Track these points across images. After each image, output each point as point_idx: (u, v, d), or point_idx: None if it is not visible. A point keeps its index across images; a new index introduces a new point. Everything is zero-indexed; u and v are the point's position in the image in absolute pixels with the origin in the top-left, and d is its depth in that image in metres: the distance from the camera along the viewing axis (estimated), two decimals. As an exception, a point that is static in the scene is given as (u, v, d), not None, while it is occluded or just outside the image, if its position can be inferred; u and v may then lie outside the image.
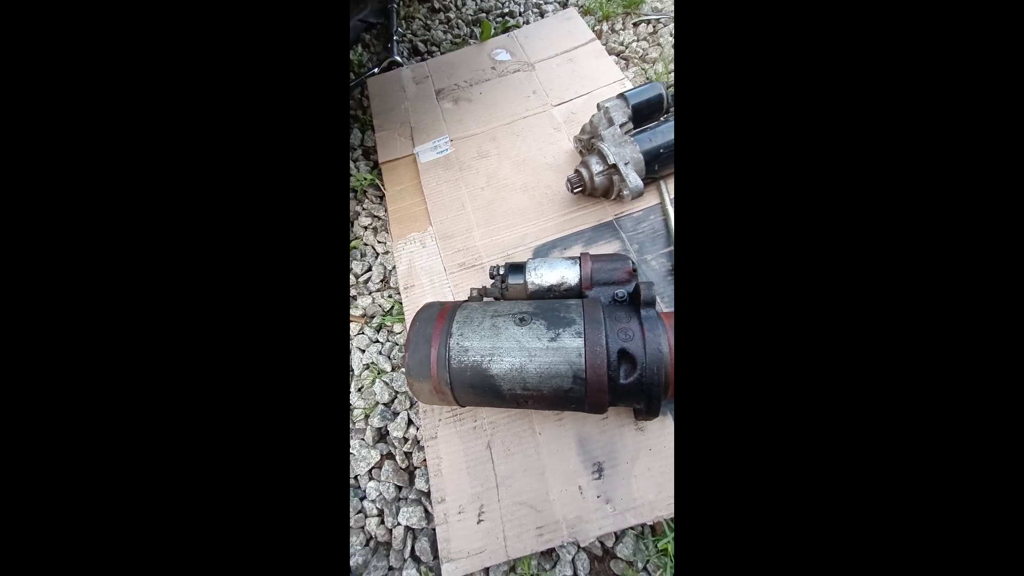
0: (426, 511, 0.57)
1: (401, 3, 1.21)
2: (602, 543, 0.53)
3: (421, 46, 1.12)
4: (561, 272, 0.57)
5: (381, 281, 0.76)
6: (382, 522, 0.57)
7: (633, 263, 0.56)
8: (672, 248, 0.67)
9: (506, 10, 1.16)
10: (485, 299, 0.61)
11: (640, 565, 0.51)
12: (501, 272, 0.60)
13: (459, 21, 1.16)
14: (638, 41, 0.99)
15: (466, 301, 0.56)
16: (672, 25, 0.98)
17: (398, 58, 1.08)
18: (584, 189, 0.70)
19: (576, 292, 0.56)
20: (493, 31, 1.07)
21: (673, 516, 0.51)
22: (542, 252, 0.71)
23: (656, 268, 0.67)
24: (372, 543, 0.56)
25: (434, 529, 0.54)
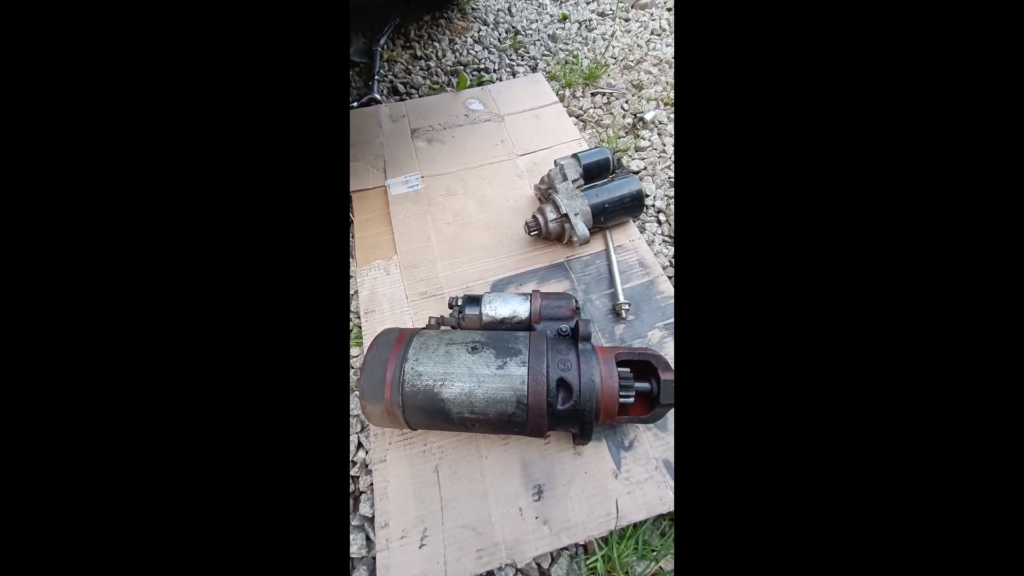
0: (368, 538, 0.57)
1: (385, 47, 1.30)
2: (539, 564, 0.56)
3: (401, 87, 1.20)
4: (513, 307, 0.63)
5: (342, 304, 0.78)
6: (321, 550, 0.56)
7: (577, 302, 0.63)
8: (612, 290, 0.76)
9: (482, 66, 1.28)
10: (442, 327, 0.65)
11: (572, 585, 0.54)
12: (459, 303, 0.65)
13: (439, 70, 1.27)
14: (594, 108, 1.14)
15: (423, 328, 0.60)
16: (622, 100, 1.15)
17: (377, 96, 1.15)
18: (540, 233, 0.79)
19: (526, 325, 0.62)
20: (469, 83, 1.18)
21: (604, 536, 0.56)
22: (499, 286, 0.78)
23: (599, 307, 0.75)
24: None
25: (374, 558, 0.55)
